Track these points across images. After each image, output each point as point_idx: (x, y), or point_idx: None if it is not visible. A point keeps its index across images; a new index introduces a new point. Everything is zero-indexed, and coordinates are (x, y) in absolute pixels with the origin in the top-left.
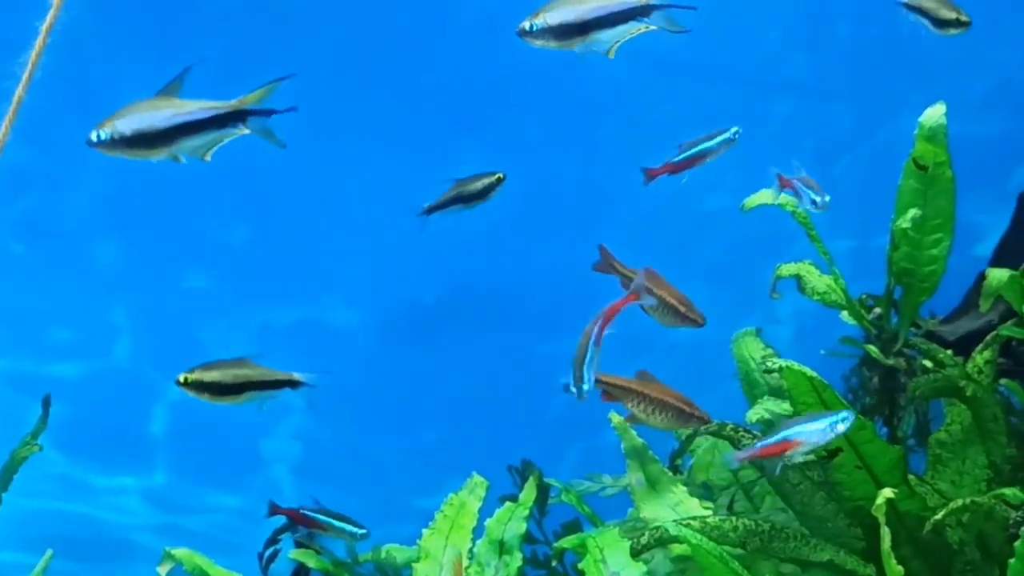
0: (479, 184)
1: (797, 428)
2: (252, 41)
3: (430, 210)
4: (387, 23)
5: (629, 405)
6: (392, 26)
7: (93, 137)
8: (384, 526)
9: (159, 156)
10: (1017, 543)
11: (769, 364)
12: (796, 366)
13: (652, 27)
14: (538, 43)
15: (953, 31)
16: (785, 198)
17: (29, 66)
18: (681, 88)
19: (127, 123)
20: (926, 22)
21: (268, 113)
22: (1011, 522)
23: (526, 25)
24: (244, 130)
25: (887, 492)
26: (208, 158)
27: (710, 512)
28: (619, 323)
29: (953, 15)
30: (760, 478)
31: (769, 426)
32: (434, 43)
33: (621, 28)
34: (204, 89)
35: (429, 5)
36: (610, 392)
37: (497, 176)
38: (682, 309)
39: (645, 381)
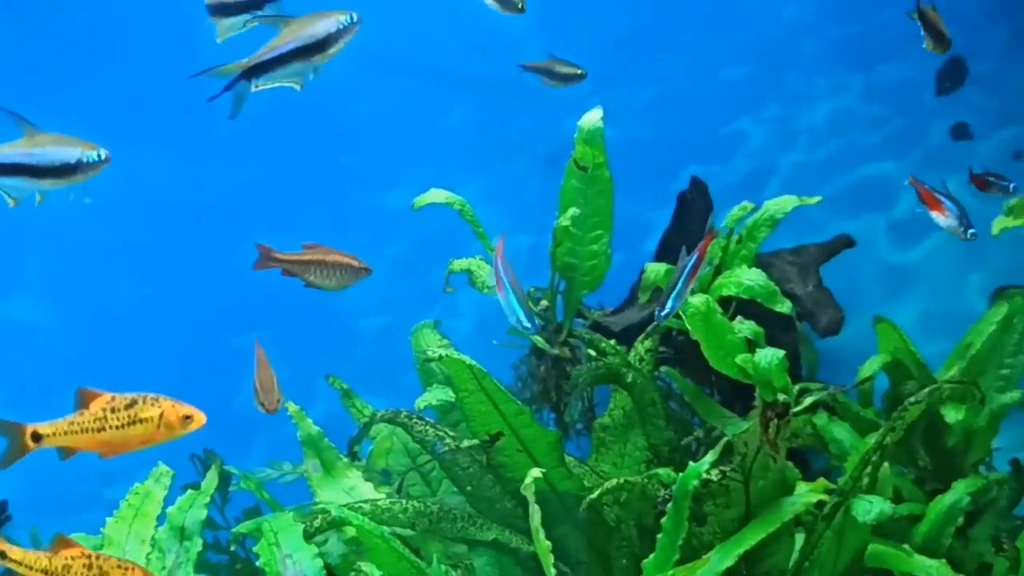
0: None
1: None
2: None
3: None
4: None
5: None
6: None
7: None
8: (71, 515)
9: None
10: (664, 519)
11: (429, 354)
12: (456, 355)
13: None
14: None
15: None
16: (453, 197)
17: None
18: (368, 89)
19: None
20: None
21: None
22: (660, 500)
23: None
24: None
25: (535, 472)
26: None
27: (383, 496)
28: (304, 318)
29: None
30: (430, 461)
31: (444, 411)
32: (125, 37)
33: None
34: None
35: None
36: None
37: None
38: (355, 264)
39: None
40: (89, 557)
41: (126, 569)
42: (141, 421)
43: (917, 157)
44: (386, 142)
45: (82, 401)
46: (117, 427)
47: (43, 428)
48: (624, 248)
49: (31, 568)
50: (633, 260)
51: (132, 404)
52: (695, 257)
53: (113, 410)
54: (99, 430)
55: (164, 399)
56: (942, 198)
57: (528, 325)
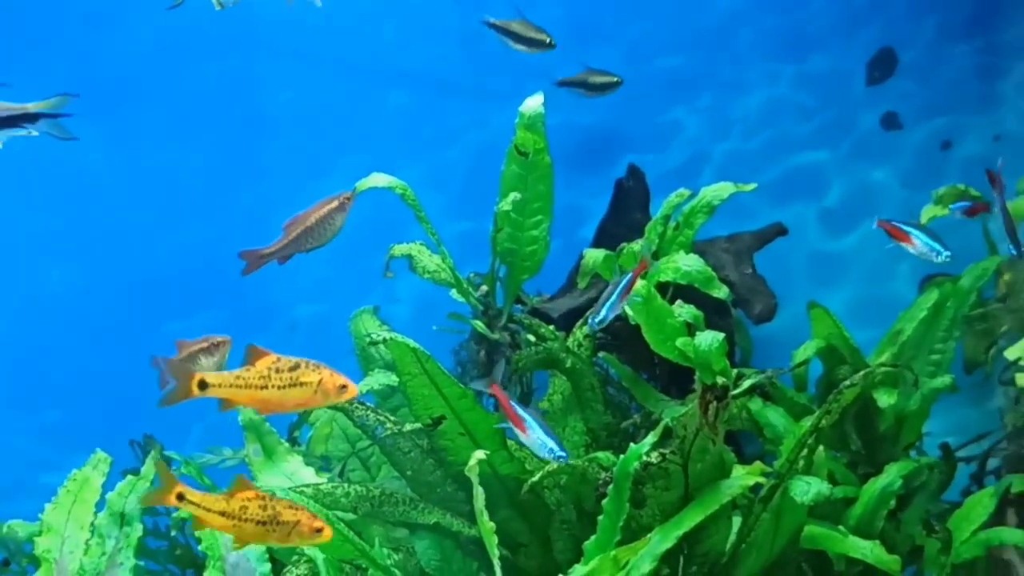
0: None
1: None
2: None
3: None
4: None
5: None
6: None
7: None
8: (8, 502)
9: None
10: (604, 501)
11: (374, 336)
12: (400, 338)
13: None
14: None
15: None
16: (395, 181)
17: None
18: (301, 77)
19: None
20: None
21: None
22: (600, 483)
23: None
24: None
25: (479, 454)
26: None
27: (324, 480)
28: (242, 304)
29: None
30: (371, 445)
31: (384, 397)
32: (61, 29)
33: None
34: None
35: None
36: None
37: None
38: (336, 203)
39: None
40: (263, 499)
41: (296, 510)
42: (301, 384)
43: (848, 146)
44: (322, 131)
45: (250, 358)
46: (278, 387)
47: (211, 377)
48: (561, 235)
49: (209, 510)
50: (570, 247)
51: (295, 367)
52: (630, 275)
53: (277, 370)
54: (262, 387)
55: (323, 367)
56: (909, 229)
57: (563, 455)
